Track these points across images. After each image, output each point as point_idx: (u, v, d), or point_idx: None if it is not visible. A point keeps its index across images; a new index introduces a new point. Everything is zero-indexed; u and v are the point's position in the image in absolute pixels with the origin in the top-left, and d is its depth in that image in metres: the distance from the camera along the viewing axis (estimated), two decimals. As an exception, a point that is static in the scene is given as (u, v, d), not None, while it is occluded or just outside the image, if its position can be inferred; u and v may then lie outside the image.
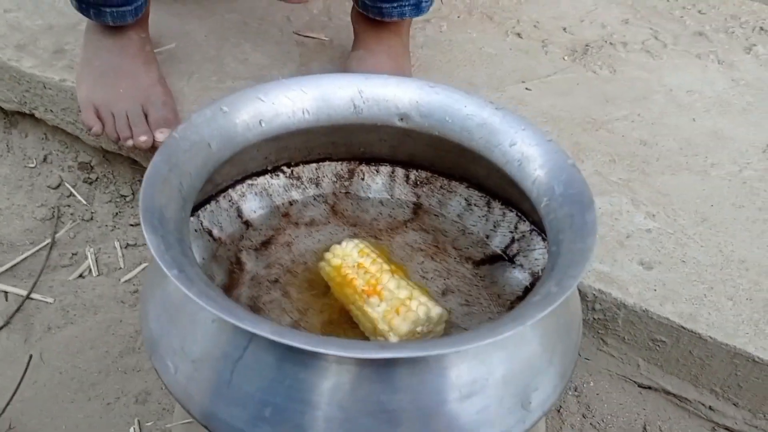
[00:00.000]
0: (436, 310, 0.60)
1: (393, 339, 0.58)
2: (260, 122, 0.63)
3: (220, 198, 0.69)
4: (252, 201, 0.72)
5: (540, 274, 0.67)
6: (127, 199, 1.06)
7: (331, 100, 0.66)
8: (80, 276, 0.97)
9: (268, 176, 0.72)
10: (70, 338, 0.89)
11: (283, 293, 0.66)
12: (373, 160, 0.75)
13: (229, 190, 0.70)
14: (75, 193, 1.06)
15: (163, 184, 0.53)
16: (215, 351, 0.49)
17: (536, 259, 0.68)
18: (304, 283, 0.68)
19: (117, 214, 1.05)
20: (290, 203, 0.74)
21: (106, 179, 1.07)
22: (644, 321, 0.80)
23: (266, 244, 0.70)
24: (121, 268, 0.98)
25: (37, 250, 0.99)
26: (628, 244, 0.88)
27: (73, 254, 0.99)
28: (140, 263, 0.99)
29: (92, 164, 1.06)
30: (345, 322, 0.64)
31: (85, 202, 1.05)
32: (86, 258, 0.99)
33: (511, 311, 0.47)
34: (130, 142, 0.88)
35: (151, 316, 0.54)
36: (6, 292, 0.94)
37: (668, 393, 0.85)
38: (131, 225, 1.04)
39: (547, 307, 0.46)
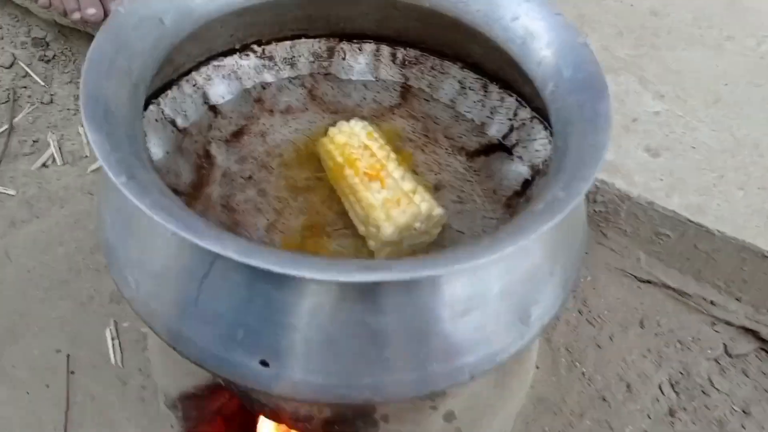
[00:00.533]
0: (438, 210, 0.54)
1: (387, 230, 0.52)
2: (222, -7, 0.54)
3: (183, 82, 0.61)
4: (219, 85, 0.64)
5: (540, 167, 0.61)
6: (90, 79, 0.97)
7: (305, -36, 0.57)
8: (43, 165, 0.90)
9: (236, 56, 0.64)
10: (36, 233, 0.83)
11: (258, 191, 0.60)
12: (356, 36, 0.66)
13: (193, 73, 0.62)
14: (31, 72, 0.96)
15: (108, 68, 0.45)
16: (178, 266, 0.43)
17: (537, 151, 0.61)
18: (281, 179, 0.61)
19: (79, 96, 0.97)
20: (263, 87, 0.66)
21: (65, 57, 0.97)
22: (649, 214, 0.75)
23: (238, 134, 0.63)
24: (87, 156, 0.91)
25: (-6, 138, 0.92)
26: (635, 128, 0.81)
27: (34, 141, 0.92)
28: (108, 151, 0.92)
29: (47, 40, 0.96)
30: (327, 224, 0.59)
31: (42, 83, 0.96)
32: (48, 145, 0.91)
33: (513, 221, 0.41)
34: (76, 15, 0.78)
35: (107, 224, 0.48)
36: (-37, 184, 0.87)
37: (668, 287, 0.81)
38: (95, 109, 0.95)
39: (552, 217, 0.40)
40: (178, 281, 0.43)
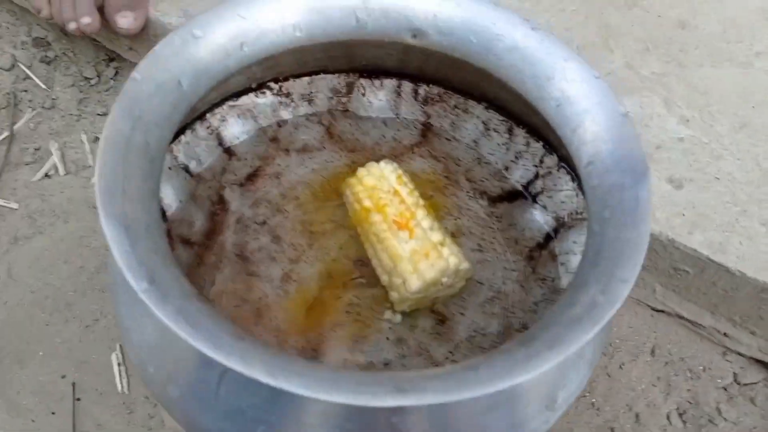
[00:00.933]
0: (465, 265, 0.53)
1: (414, 284, 0.51)
2: (241, 46, 0.51)
3: (197, 125, 0.59)
4: (234, 125, 0.61)
5: (566, 219, 0.59)
6: (92, 82, 0.94)
7: (328, 12, 0.53)
8: (46, 176, 0.87)
9: (252, 95, 0.61)
10: (40, 251, 0.81)
11: (273, 237, 0.58)
12: (376, 72, 0.63)
13: (207, 115, 0.59)
14: (31, 75, 0.93)
15: (125, 148, 0.42)
16: (198, 358, 0.42)
17: (562, 202, 0.59)
18: (296, 223, 0.59)
19: (82, 101, 0.93)
20: (278, 125, 0.63)
21: (67, 58, 0.93)
22: (669, 251, 0.74)
23: (252, 176, 0.60)
24: (90, 166, 0.88)
25: (-6, 145, 0.89)
26: (658, 157, 0.79)
27: (35, 149, 0.89)
28: (112, 159, 0.89)
29: (48, 40, 0.92)
30: (344, 273, 0.57)
31: (44, 86, 0.93)
32: (51, 154, 0.89)
33: (549, 328, 0.40)
34: (72, 25, 0.75)
35: (120, 303, 0.46)
36: (-36, 197, 0.85)
37: (682, 318, 0.80)
38: (98, 114, 0.92)
39: (593, 327, 0.38)
40: (199, 373, 0.42)
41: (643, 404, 0.80)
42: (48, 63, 0.94)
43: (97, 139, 0.91)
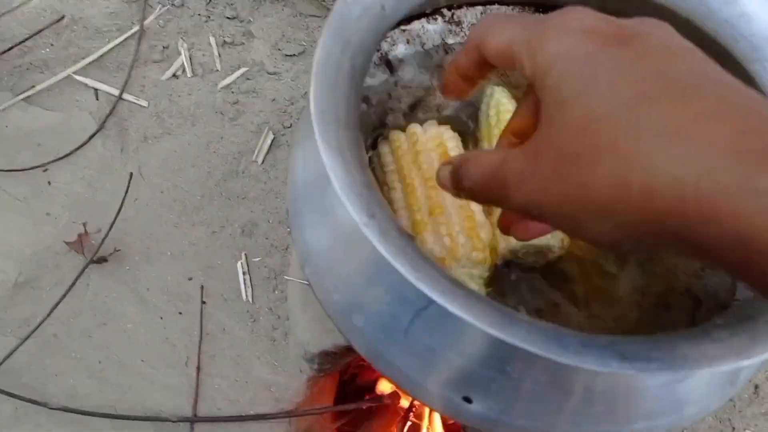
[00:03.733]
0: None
1: None
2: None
3: (367, 51, 0.57)
4: (402, 50, 0.59)
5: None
6: (222, -18, 0.92)
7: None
8: (174, 76, 0.87)
9: (423, 20, 0.59)
10: (168, 152, 0.82)
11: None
12: (554, 7, 0.60)
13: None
14: (162, -31, 0.91)
15: (336, 73, 0.41)
16: (394, 293, 0.42)
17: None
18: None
19: (210, 1, 0.92)
20: (446, 51, 0.61)
21: (197, -46, 0.91)
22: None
23: (415, 106, 0.59)
24: (217, 70, 0.87)
25: (125, 39, 0.88)
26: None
27: (164, 47, 0.88)
28: (238, 66, 0.88)
29: (180, -66, 0.90)
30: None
31: (174, -18, 0.91)
32: (179, 54, 0.88)
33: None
34: None
35: (306, 226, 0.46)
36: (96, 90, 0.85)
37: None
38: (227, 18, 0.90)
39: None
40: (392, 307, 0.42)
41: (763, 376, 0.79)
42: (178, -42, 0.92)
43: (225, 43, 0.89)
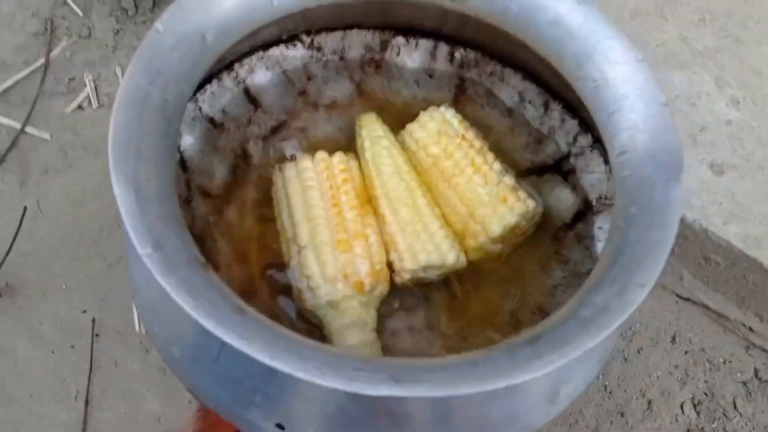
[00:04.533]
0: (539, 209, 0.53)
1: (495, 229, 0.50)
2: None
3: (224, 75, 0.57)
4: (262, 76, 0.59)
5: (594, 204, 0.57)
6: (129, 13, 0.92)
7: (365, -32, 0.51)
8: (79, 107, 0.87)
9: (282, 47, 0.59)
10: (69, 185, 0.82)
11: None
12: (412, 32, 0.61)
13: (235, 65, 0.58)
14: (69, 1, 0.92)
15: (142, 105, 0.41)
16: (198, 325, 0.41)
17: (593, 185, 0.57)
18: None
19: (118, 32, 0.92)
20: (308, 78, 0.61)
21: (105, -13, 0.92)
22: (701, 240, 0.71)
23: (277, 129, 0.59)
24: (123, 101, 0.88)
25: (30, 72, 0.89)
26: (701, 139, 0.75)
27: (70, 79, 0.89)
28: (144, 96, 0.88)
29: (88, -32, 0.91)
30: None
31: (81, 14, 0.92)
32: (84, 85, 0.88)
33: (555, 327, 0.38)
34: None
35: (132, 259, 0.46)
36: (-2, 124, 0.85)
37: (707, 308, 0.78)
38: (135, 48, 0.91)
39: (600, 333, 0.37)
40: (202, 338, 0.42)
41: (657, 392, 0.79)
42: (86, -9, 0.93)
43: (130, 74, 0.90)
